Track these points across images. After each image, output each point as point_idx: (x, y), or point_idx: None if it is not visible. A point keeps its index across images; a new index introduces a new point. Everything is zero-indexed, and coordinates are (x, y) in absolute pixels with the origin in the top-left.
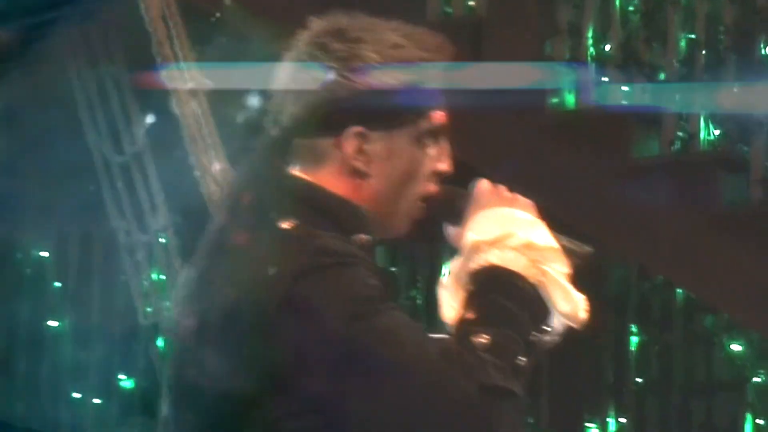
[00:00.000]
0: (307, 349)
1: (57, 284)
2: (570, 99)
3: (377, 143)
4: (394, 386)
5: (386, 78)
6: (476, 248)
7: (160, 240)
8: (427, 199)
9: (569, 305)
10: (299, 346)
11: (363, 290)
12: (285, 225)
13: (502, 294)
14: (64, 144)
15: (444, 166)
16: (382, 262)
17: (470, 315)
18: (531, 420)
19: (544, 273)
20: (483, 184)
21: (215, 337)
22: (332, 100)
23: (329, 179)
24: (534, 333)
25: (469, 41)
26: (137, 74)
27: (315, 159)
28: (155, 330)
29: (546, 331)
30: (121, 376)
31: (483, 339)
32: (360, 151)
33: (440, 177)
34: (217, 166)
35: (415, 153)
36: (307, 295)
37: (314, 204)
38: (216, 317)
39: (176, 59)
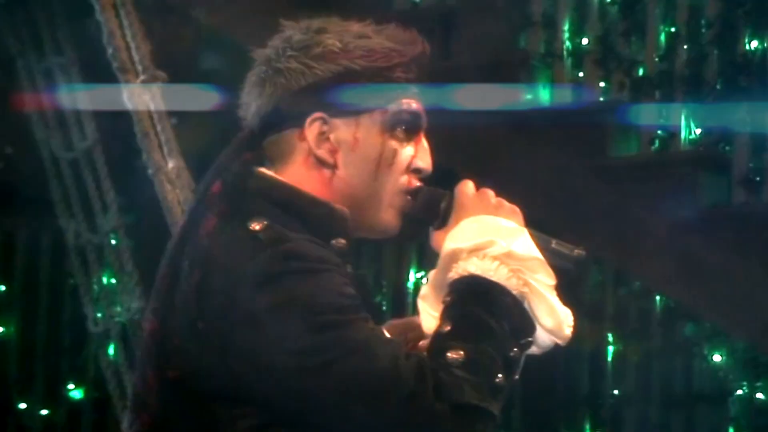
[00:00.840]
0: (272, 358)
1: (2, 288)
2: (545, 95)
3: (341, 130)
4: (364, 401)
5: (347, 62)
6: (455, 256)
7: (112, 241)
8: (410, 198)
9: (553, 320)
10: (264, 356)
11: (334, 299)
12: (254, 226)
13: (480, 306)
14: (11, 139)
15: (422, 163)
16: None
17: (447, 328)
18: None
19: (526, 284)
20: (466, 187)
21: (181, 342)
22: (294, 89)
23: (297, 174)
24: (514, 348)
25: (438, 33)
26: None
27: (282, 154)
28: (106, 337)
29: (527, 346)
30: (70, 386)
31: (458, 355)
32: (323, 138)
33: (420, 175)
34: (171, 164)
35: (385, 142)
36: (273, 303)
37: (288, 206)
38: (183, 322)
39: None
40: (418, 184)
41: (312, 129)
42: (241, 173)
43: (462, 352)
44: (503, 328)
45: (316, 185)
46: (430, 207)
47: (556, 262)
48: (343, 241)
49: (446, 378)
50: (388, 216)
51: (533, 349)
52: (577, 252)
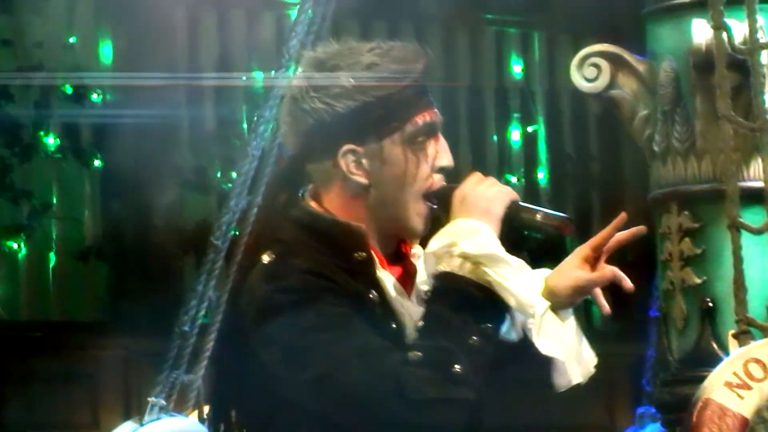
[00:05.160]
0: (273, 380)
1: None
2: None
3: (370, 156)
4: (343, 408)
5: (363, 96)
6: (431, 256)
7: None
8: (431, 197)
9: (515, 300)
10: (267, 378)
11: (313, 322)
12: (266, 258)
13: (445, 302)
14: None
15: (443, 161)
16: None
17: (420, 324)
18: None
19: (487, 275)
20: (472, 178)
21: (226, 359)
22: (321, 126)
23: (337, 196)
24: (474, 337)
25: None
26: None
27: (322, 179)
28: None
29: (492, 331)
30: None
31: (416, 355)
32: (356, 165)
33: (443, 172)
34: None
35: (408, 156)
36: (267, 332)
37: (314, 230)
38: (223, 342)
39: None
40: (442, 183)
41: (345, 159)
42: (281, 211)
43: (419, 353)
44: (464, 319)
45: (353, 204)
46: (444, 204)
47: (544, 230)
48: (363, 253)
49: (407, 377)
50: (414, 219)
51: (511, 334)
52: (561, 221)
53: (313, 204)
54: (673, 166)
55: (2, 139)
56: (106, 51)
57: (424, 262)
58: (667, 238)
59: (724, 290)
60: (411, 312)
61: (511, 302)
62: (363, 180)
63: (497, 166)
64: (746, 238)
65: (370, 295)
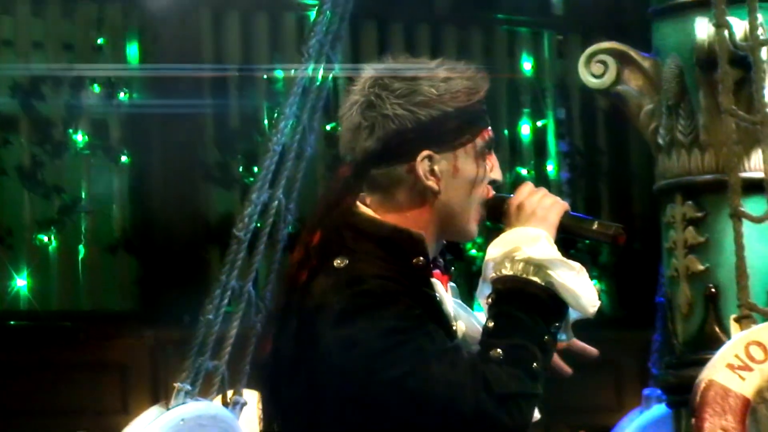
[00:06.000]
0: (350, 381)
1: None
2: None
3: (443, 163)
4: (428, 403)
5: (443, 106)
6: (492, 261)
7: None
8: (482, 206)
9: (576, 302)
10: (343, 379)
11: (396, 324)
12: (338, 263)
13: (515, 303)
14: None
15: (496, 175)
16: None
17: (490, 324)
18: None
19: (550, 277)
20: (522, 189)
21: (283, 364)
22: (403, 131)
23: (402, 200)
24: (545, 336)
25: None
26: None
27: (389, 184)
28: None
29: (558, 330)
30: None
31: (497, 354)
32: (431, 172)
33: (495, 185)
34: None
35: (476, 166)
36: (349, 333)
37: (376, 236)
38: (284, 346)
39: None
40: (492, 193)
41: (422, 165)
42: (342, 218)
43: (500, 350)
44: (535, 319)
45: (415, 210)
46: (495, 212)
47: (598, 239)
48: (422, 258)
49: (491, 373)
50: (472, 225)
51: (566, 334)
52: (615, 230)
53: (365, 210)
54: (678, 158)
55: (34, 137)
56: (133, 52)
57: (484, 268)
58: (672, 227)
59: (727, 277)
60: (458, 314)
61: (572, 303)
62: (434, 186)
63: (509, 158)
64: (747, 227)
65: (437, 298)
